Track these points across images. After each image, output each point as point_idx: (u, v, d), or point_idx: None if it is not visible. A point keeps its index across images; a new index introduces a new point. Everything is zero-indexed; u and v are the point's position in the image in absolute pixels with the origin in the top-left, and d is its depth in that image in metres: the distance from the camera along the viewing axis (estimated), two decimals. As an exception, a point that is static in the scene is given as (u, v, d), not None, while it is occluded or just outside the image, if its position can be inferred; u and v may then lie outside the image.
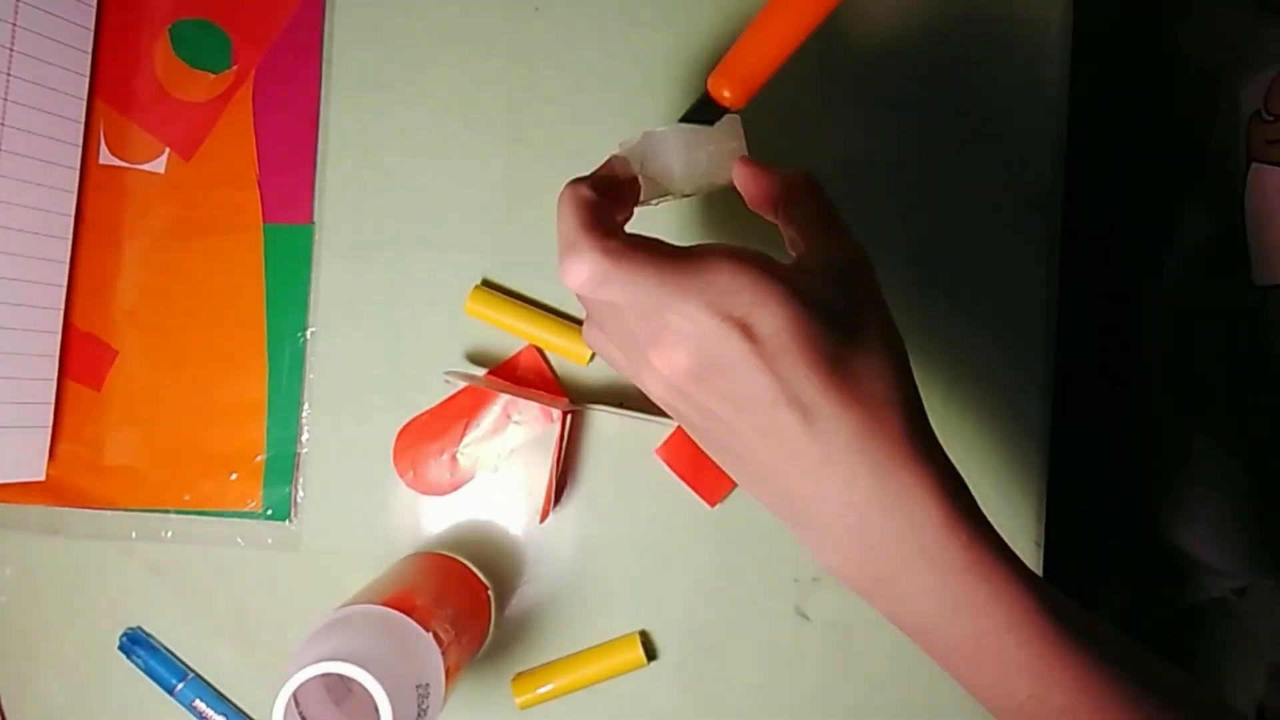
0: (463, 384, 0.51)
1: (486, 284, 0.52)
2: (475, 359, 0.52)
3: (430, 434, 0.52)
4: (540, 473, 0.51)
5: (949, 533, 0.34)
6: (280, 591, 0.53)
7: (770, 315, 0.32)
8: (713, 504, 0.51)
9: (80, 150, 0.52)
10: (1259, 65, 0.60)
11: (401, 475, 0.52)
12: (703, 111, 0.40)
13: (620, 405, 0.51)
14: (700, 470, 0.51)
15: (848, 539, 0.35)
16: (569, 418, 0.51)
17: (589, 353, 0.50)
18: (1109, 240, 0.68)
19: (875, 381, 0.34)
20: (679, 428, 0.51)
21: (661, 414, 0.50)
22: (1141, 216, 0.68)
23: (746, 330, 0.32)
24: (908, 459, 0.34)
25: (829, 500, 0.34)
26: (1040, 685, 0.34)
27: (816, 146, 0.51)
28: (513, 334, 0.51)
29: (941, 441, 0.35)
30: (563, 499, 0.51)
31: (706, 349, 0.32)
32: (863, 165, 0.52)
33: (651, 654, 0.52)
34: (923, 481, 0.34)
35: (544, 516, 0.50)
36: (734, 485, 0.51)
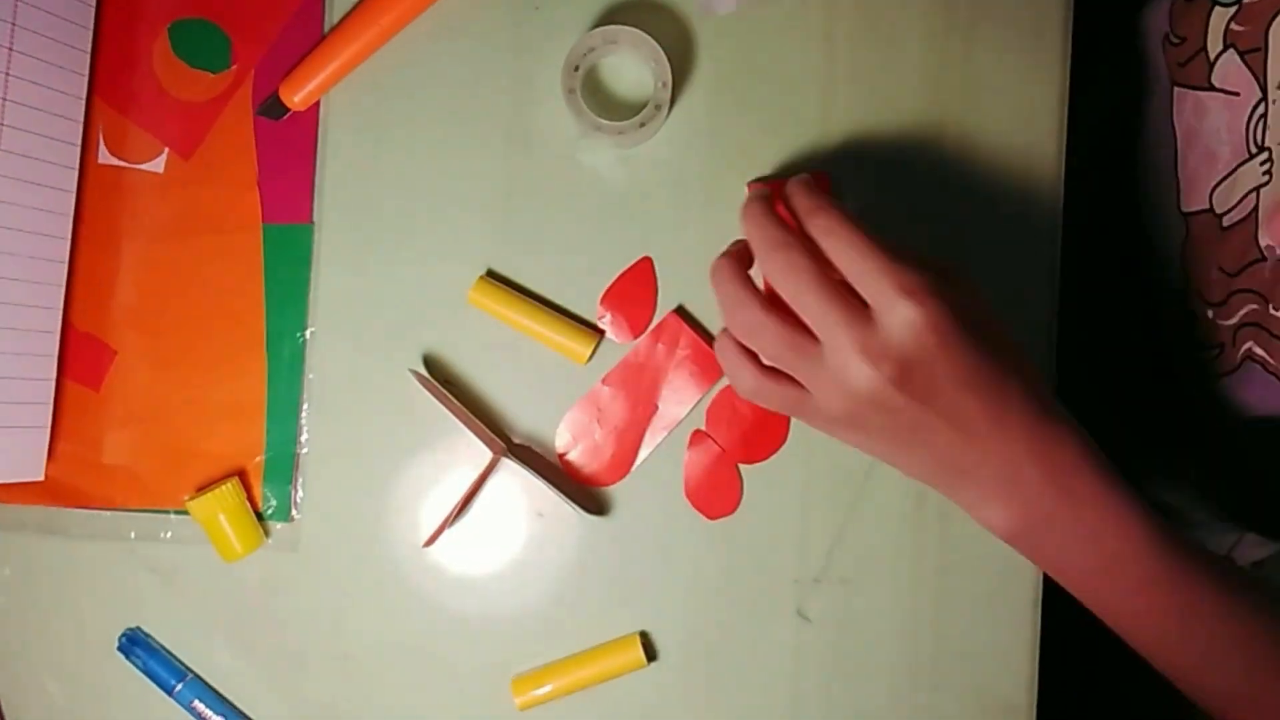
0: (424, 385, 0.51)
1: (491, 274, 0.52)
2: (475, 359, 0.52)
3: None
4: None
5: (1083, 471, 0.41)
6: (279, 591, 0.53)
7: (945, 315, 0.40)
8: (712, 518, 0.51)
9: (79, 150, 0.52)
10: None
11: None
12: (273, 110, 0.52)
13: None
14: (701, 489, 0.51)
15: (1006, 491, 0.42)
16: (495, 462, 0.51)
17: (587, 351, 0.50)
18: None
19: (1016, 356, 0.43)
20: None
21: (579, 506, 0.50)
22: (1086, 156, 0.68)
23: (935, 329, 0.40)
24: (1049, 416, 0.42)
25: (992, 458, 0.42)
26: (1160, 593, 0.42)
27: (819, 149, 0.51)
28: (515, 327, 0.51)
29: None
30: (449, 529, 0.51)
31: (908, 351, 0.40)
32: (860, 169, 0.51)
33: (651, 655, 0.51)
34: (1061, 433, 0.42)
35: (429, 542, 0.51)
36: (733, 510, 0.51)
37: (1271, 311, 0.51)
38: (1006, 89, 0.51)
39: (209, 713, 0.52)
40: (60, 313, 0.52)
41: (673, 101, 0.50)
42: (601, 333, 0.51)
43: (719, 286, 0.44)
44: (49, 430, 0.52)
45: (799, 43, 0.52)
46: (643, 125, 0.48)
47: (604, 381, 0.51)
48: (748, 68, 0.52)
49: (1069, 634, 0.56)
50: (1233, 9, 0.53)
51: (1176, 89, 0.58)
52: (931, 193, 0.51)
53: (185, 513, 0.52)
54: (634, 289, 0.51)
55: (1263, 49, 0.50)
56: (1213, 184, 0.56)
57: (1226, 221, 0.54)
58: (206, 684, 0.53)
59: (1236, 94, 0.53)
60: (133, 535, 0.53)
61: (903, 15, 0.51)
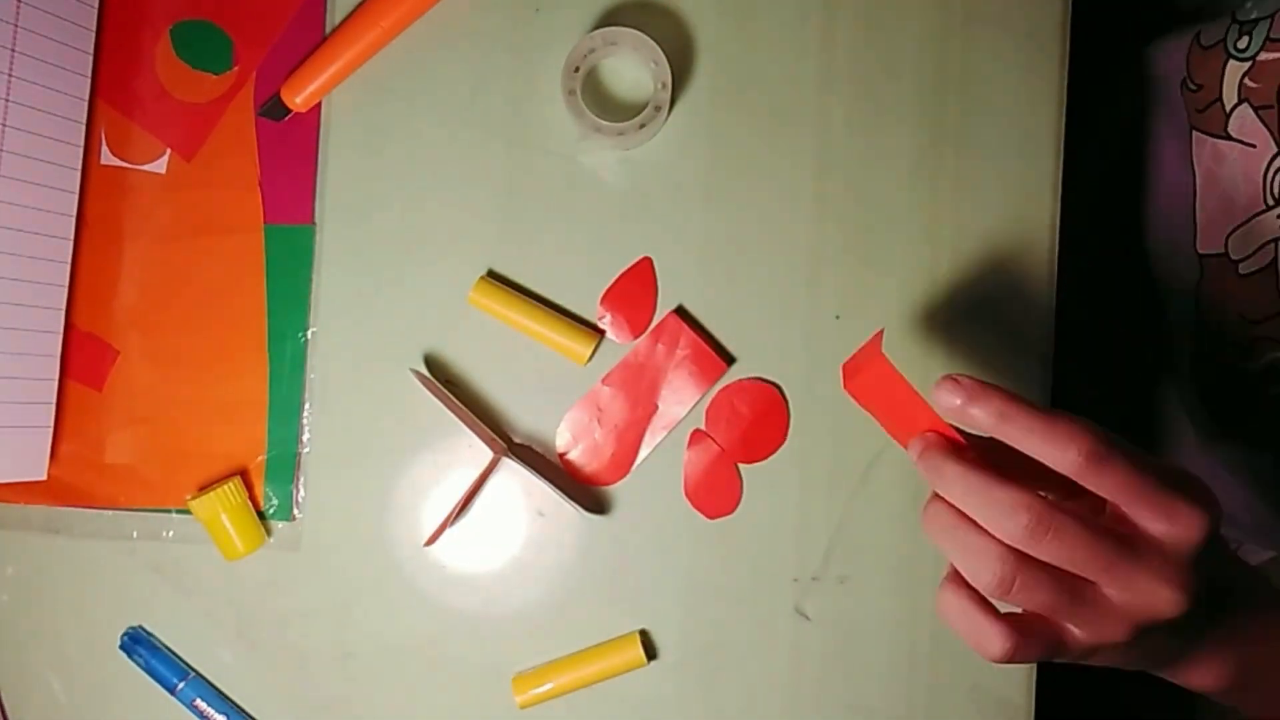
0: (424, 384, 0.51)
1: (492, 275, 0.52)
2: (476, 359, 0.52)
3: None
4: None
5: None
6: (281, 591, 0.53)
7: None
8: (712, 517, 0.52)
9: (82, 151, 0.52)
10: (1171, 29, 0.60)
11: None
12: (275, 111, 0.52)
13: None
14: (701, 489, 0.51)
15: (1225, 656, 0.41)
16: (496, 462, 0.51)
17: (587, 352, 0.50)
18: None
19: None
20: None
21: (579, 506, 0.50)
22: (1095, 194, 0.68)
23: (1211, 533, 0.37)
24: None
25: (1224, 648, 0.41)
26: None
27: (817, 151, 0.51)
28: (515, 327, 0.51)
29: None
30: (450, 528, 0.51)
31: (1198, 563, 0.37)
32: (857, 175, 0.52)
33: (651, 654, 0.52)
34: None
35: (430, 541, 0.51)
36: (733, 510, 0.52)
37: None
38: (1005, 72, 0.51)
39: (211, 711, 0.52)
40: (63, 313, 0.52)
41: (672, 102, 0.51)
42: (601, 333, 0.52)
43: (948, 534, 0.37)
44: (51, 430, 0.52)
45: (798, 45, 0.52)
46: (643, 126, 0.48)
47: (604, 381, 0.52)
48: (748, 68, 0.52)
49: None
50: (1247, 64, 0.53)
51: (1195, 133, 0.58)
52: (928, 200, 0.52)
53: (187, 512, 0.52)
54: (634, 289, 0.52)
55: (1275, 106, 0.51)
56: (1229, 229, 0.56)
57: (1244, 269, 0.55)
58: (208, 682, 0.53)
59: (1253, 145, 0.53)
60: (135, 534, 0.53)
61: (901, 16, 0.52)
